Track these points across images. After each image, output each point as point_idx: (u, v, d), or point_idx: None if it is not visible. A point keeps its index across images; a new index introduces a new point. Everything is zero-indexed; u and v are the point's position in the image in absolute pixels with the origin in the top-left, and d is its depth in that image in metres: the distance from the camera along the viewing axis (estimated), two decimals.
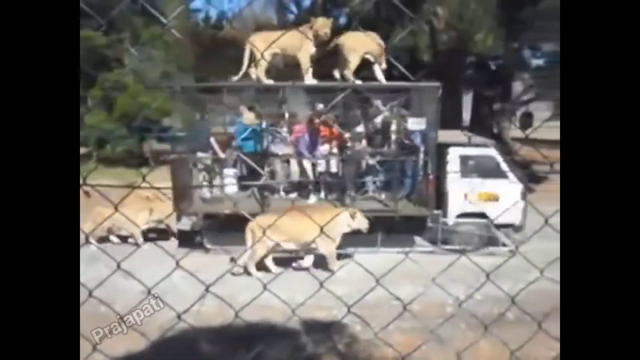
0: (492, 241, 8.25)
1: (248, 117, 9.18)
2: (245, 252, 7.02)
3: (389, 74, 7.73)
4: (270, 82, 7.64)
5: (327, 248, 7.12)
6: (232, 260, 7.24)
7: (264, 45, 7.24)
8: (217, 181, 8.78)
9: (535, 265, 2.07)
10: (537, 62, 17.22)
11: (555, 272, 2.44)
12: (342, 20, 17.24)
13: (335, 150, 8.80)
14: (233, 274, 6.90)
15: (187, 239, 8.28)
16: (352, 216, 7.08)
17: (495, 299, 5.47)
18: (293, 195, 8.66)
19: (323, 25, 7.42)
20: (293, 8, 18.56)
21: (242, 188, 8.92)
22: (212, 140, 8.60)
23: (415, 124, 8.10)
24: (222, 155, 8.58)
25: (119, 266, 1.67)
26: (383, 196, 8.63)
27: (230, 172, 8.91)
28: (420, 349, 4.26)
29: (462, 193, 8.13)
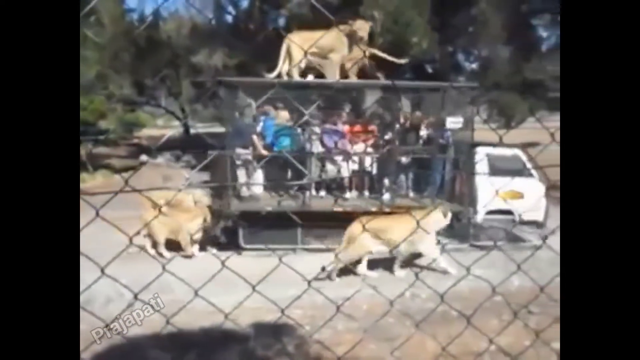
0: (515, 237, 8.63)
1: (282, 115, 9.02)
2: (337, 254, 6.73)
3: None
4: (299, 79, 7.89)
5: (432, 248, 6.92)
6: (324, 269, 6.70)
7: (302, 44, 7.42)
8: (253, 179, 8.60)
9: (461, 264, 2.14)
10: (471, 66, 18.03)
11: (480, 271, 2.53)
12: (281, 21, 17.18)
13: (369, 149, 8.88)
14: (319, 279, 6.48)
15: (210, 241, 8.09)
16: (444, 214, 6.95)
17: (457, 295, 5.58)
18: (322, 192, 8.75)
19: (362, 27, 7.75)
20: (231, 9, 18.26)
21: (268, 188, 8.88)
22: (254, 137, 8.33)
23: (453, 123, 8.35)
24: (263, 152, 8.27)
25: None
26: (411, 194, 8.82)
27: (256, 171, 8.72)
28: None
29: (490, 191, 8.29)
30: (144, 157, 19.04)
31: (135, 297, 1.69)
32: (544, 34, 15.79)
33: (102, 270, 1.58)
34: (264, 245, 7.38)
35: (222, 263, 1.68)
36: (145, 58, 16.87)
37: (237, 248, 7.74)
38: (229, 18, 18.34)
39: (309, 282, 1.74)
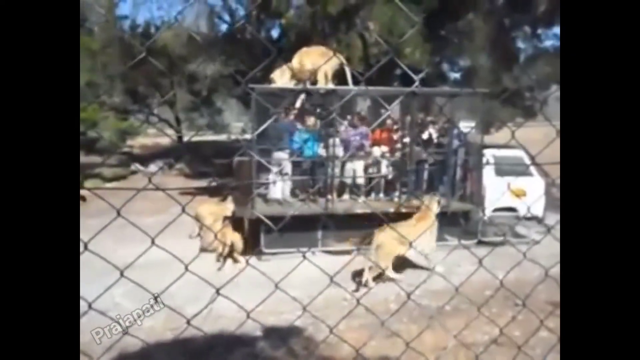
0: (515, 233, 9.35)
1: (308, 121, 9.25)
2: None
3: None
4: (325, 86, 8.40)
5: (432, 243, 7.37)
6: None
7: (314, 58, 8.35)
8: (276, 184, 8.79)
9: (476, 255, 2.17)
10: (455, 75, 18.58)
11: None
12: (275, 32, 17.42)
13: (387, 154, 9.26)
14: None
15: None
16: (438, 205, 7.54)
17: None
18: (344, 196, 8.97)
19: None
20: (227, 17, 18.45)
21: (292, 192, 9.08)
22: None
23: (466, 127, 9.05)
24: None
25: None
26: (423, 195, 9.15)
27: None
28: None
29: (497, 189, 8.85)
30: (136, 166, 19.12)
31: (155, 299, 1.69)
32: (522, 45, 16.48)
33: (122, 273, 1.49)
34: (285, 248, 7.52)
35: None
36: (139, 66, 16.99)
37: (259, 253, 7.85)
38: (224, 27, 18.59)
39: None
